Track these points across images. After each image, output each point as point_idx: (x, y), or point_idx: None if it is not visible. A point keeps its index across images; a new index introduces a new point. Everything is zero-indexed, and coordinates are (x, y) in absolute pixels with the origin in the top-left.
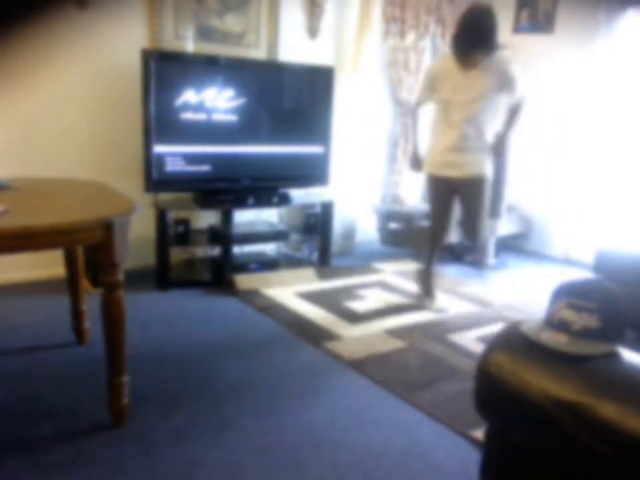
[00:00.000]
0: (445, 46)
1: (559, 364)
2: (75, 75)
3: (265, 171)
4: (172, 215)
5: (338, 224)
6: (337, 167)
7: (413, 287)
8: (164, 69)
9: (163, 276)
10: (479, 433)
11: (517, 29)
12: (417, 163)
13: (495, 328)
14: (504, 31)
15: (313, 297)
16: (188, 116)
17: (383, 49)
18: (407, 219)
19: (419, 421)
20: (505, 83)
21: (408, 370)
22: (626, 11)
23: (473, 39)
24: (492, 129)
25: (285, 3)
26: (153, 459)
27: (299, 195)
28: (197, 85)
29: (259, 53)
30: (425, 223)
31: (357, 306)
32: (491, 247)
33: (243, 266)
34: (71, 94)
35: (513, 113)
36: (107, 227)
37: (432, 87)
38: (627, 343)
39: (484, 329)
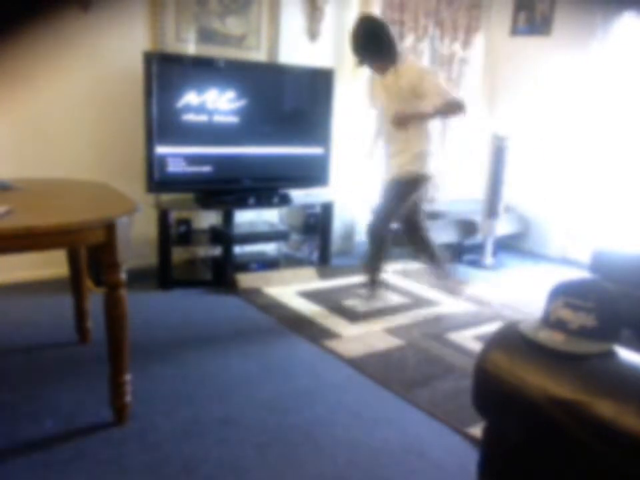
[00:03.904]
0: (443, 48)
1: (556, 362)
2: (78, 76)
3: (266, 172)
4: (174, 215)
5: (338, 224)
6: (336, 168)
7: (415, 286)
8: (166, 71)
9: (165, 275)
10: (477, 431)
11: (515, 31)
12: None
13: (493, 327)
14: (502, 33)
15: (313, 296)
16: (189, 117)
17: None
18: None
19: (417, 419)
20: (419, 93)
21: (406, 368)
22: (622, 14)
23: (363, 47)
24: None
25: (286, 6)
26: (154, 456)
27: (299, 195)
28: (198, 86)
29: (259, 55)
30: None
31: (357, 305)
32: (489, 247)
33: (244, 266)
34: (74, 95)
35: (445, 110)
36: (109, 227)
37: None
38: (623, 341)
39: (482, 327)
